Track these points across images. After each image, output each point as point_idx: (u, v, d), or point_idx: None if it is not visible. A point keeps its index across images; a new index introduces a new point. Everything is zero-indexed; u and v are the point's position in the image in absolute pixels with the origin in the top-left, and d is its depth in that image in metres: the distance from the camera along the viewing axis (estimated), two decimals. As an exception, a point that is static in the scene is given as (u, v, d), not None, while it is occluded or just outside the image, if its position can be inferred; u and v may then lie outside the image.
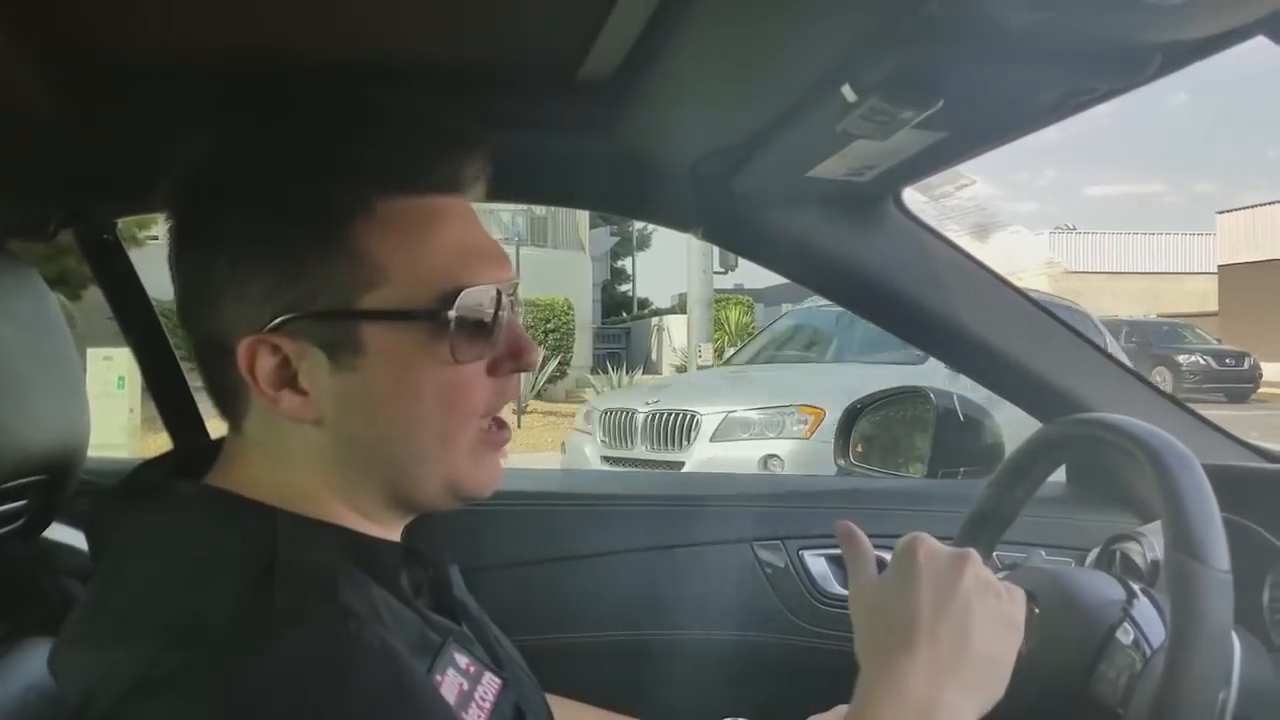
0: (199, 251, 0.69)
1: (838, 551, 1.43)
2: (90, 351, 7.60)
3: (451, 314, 0.67)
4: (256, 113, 0.75)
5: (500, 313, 0.70)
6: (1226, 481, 0.81)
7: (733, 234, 1.33)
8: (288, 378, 0.67)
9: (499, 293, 0.70)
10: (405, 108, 0.71)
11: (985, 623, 0.73)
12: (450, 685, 0.68)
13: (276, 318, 0.66)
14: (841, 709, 1.15)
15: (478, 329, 0.69)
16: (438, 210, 0.70)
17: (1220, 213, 27.26)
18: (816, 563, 1.42)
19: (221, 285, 0.67)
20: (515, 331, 0.72)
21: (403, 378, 0.68)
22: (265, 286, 0.66)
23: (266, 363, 0.66)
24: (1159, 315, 28.80)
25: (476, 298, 0.69)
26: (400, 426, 0.69)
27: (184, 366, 1.45)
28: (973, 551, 0.77)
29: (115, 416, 8.15)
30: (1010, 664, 0.74)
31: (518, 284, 0.74)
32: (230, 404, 0.71)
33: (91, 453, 0.97)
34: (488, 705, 0.70)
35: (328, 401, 0.68)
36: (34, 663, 0.84)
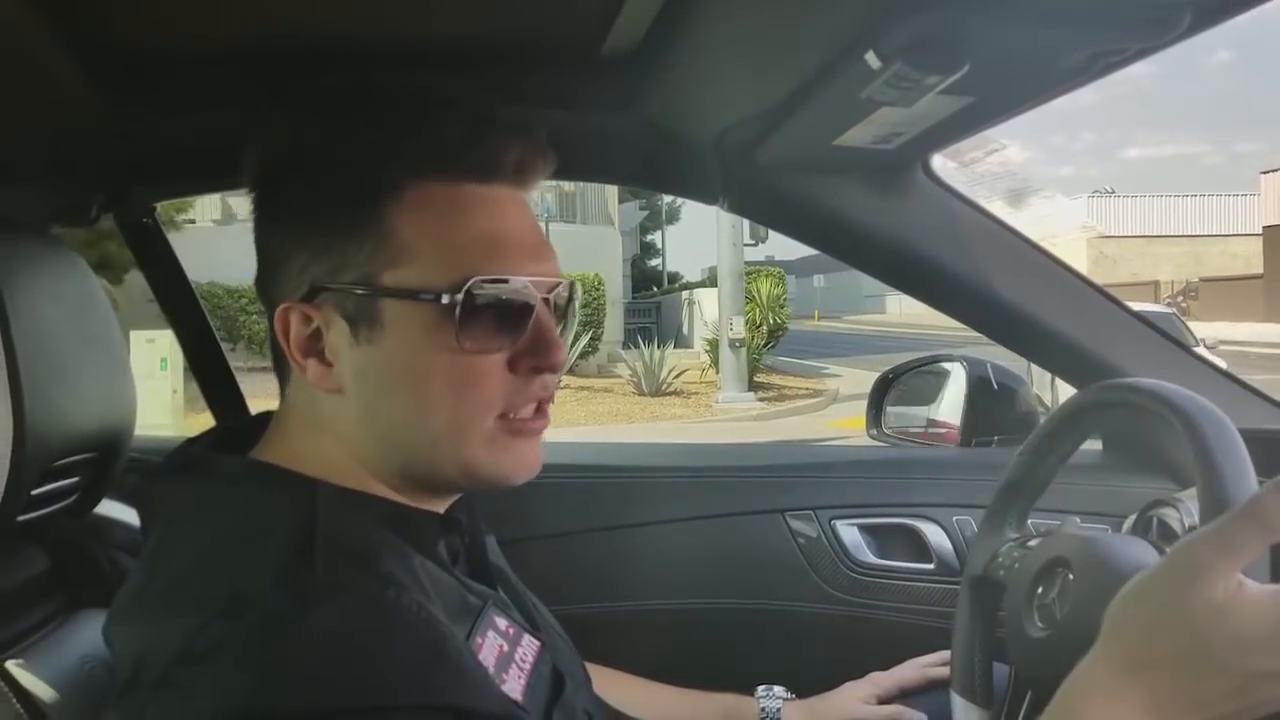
0: (263, 226, 0.74)
1: (870, 521, 1.46)
2: (133, 334, 7.74)
3: (458, 298, 0.68)
4: (294, 96, 0.77)
5: (522, 305, 0.70)
6: (1263, 445, 0.80)
7: (759, 205, 1.32)
8: (317, 347, 0.71)
9: (527, 289, 0.70)
10: (446, 93, 0.72)
11: (1259, 711, 0.58)
12: (490, 647, 0.70)
13: (310, 288, 0.70)
14: (876, 676, 1.16)
15: (494, 320, 0.69)
16: (471, 197, 0.70)
17: (1265, 172, 26.53)
18: (849, 532, 1.43)
19: (277, 257, 0.73)
20: (543, 330, 0.72)
21: (414, 358, 0.69)
22: (304, 258, 0.71)
23: (299, 331, 0.71)
24: (1201, 279, 28.22)
25: (493, 289, 0.69)
26: (412, 406, 0.70)
27: (225, 347, 1.49)
28: None
29: (159, 397, 8.32)
30: None
31: (561, 284, 0.74)
32: (279, 370, 0.76)
33: (138, 432, 1.00)
34: (528, 665, 0.72)
35: (348, 372, 0.71)
36: (89, 633, 0.87)
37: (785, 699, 1.13)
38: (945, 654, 1.07)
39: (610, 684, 1.02)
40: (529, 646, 0.74)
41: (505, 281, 0.69)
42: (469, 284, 0.68)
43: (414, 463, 0.72)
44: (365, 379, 0.70)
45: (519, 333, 0.71)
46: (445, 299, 0.68)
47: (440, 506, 0.77)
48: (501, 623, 0.73)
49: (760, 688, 1.14)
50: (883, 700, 1.14)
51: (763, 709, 1.12)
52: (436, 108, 0.71)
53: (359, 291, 0.69)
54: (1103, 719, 0.60)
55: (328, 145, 0.71)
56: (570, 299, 0.78)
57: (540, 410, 0.74)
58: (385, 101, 0.72)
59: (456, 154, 0.70)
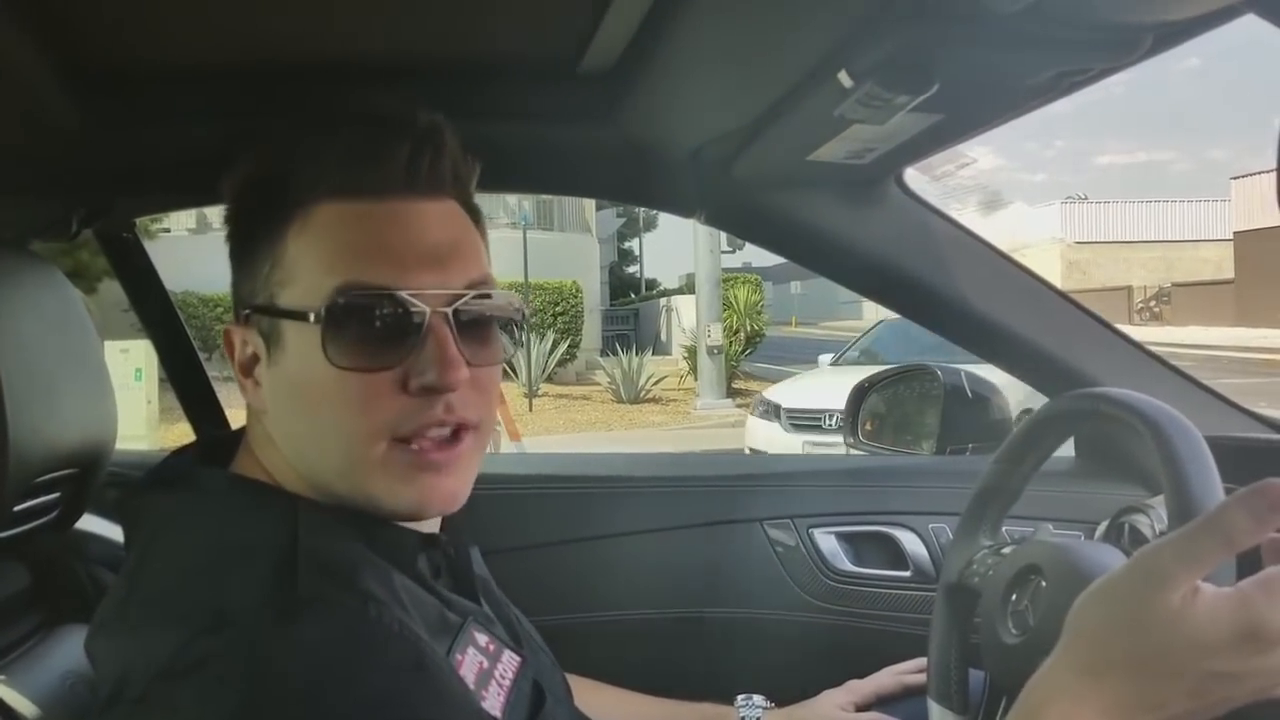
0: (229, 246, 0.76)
1: (847, 529, 1.47)
2: (107, 344, 7.65)
3: (322, 314, 0.66)
4: (251, 115, 0.79)
5: (405, 319, 0.67)
6: (1230, 452, 0.82)
7: (736, 218, 1.34)
8: (253, 367, 0.73)
9: (404, 299, 0.66)
10: (348, 112, 0.73)
11: (1223, 708, 0.60)
12: (470, 664, 0.70)
13: (242, 310, 0.73)
14: (854, 683, 1.18)
15: (374, 334, 0.67)
16: (355, 212, 0.69)
17: (1235, 178, 26.92)
18: (826, 540, 1.44)
19: (232, 278, 0.75)
20: (439, 346, 0.67)
21: (305, 378, 0.69)
22: (238, 280, 0.74)
23: (240, 352, 0.73)
24: (1173, 284, 28.55)
25: (366, 300, 0.66)
26: (310, 429, 0.70)
27: (202, 358, 1.48)
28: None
29: (134, 408, 8.21)
30: None
31: (464, 294, 0.69)
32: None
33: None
34: (508, 682, 0.72)
35: (266, 393, 0.72)
36: (70, 649, 0.87)
37: (765, 708, 1.14)
38: (922, 661, 1.08)
39: (590, 695, 1.02)
40: (509, 663, 0.74)
41: (380, 294, 0.66)
42: (334, 297, 0.66)
43: (329, 488, 0.70)
44: (276, 400, 0.71)
45: (408, 348, 0.67)
46: (312, 316, 0.67)
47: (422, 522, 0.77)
48: (482, 639, 0.73)
49: (740, 696, 1.15)
50: (861, 707, 1.15)
51: (742, 717, 1.13)
52: (330, 126, 0.72)
53: (262, 312, 0.71)
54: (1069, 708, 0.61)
55: (248, 169, 0.74)
56: (517, 314, 0.74)
57: (455, 436, 0.70)
58: (294, 123, 0.74)
59: (344, 171, 0.69)
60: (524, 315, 0.76)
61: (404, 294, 0.67)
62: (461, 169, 0.74)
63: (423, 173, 0.70)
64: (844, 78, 0.81)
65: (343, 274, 0.67)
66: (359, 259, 0.68)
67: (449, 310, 0.68)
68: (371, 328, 0.67)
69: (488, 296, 0.71)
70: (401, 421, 0.68)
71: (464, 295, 0.69)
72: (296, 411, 0.70)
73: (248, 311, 0.72)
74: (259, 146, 0.74)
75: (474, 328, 0.70)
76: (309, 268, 0.69)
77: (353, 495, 0.70)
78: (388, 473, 0.68)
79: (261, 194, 0.71)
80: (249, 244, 0.72)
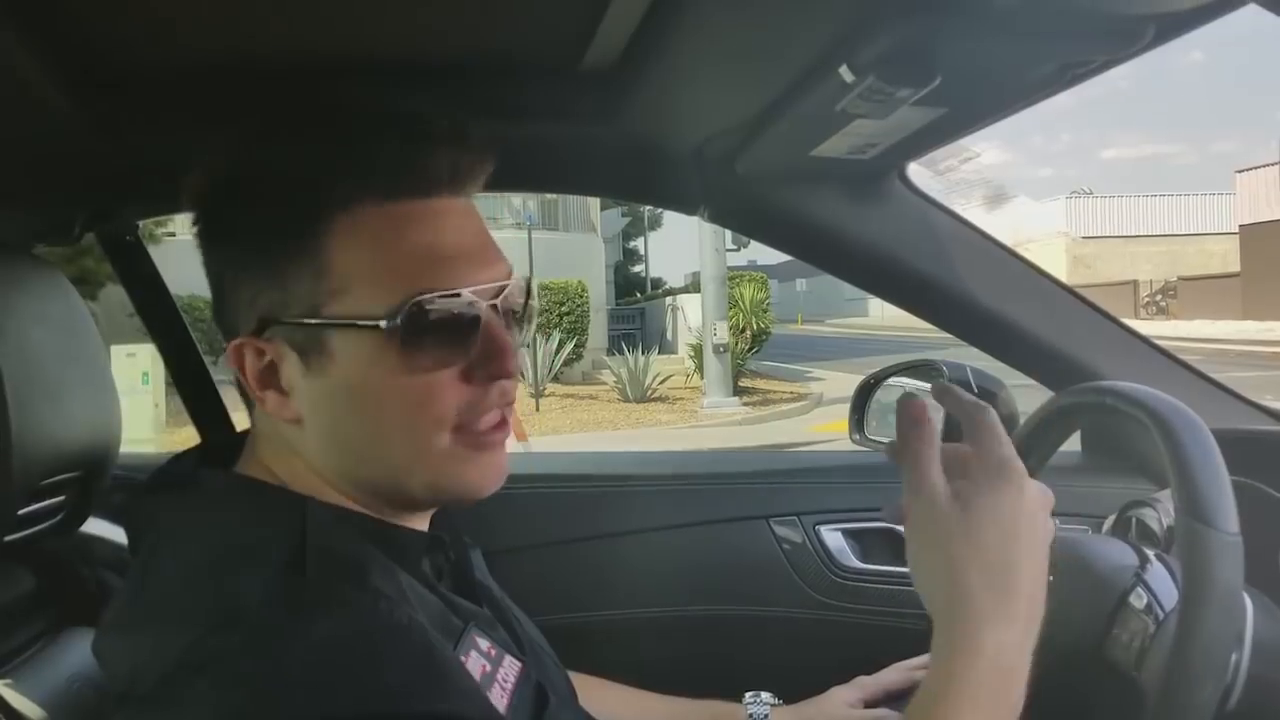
0: (208, 254, 0.73)
1: (853, 525, 1.47)
2: (113, 348, 7.69)
3: (398, 323, 0.67)
4: (252, 118, 0.74)
5: (470, 317, 0.69)
6: (1237, 445, 0.82)
7: (739, 215, 1.34)
8: (273, 379, 0.71)
9: (473, 298, 0.69)
10: (375, 112, 0.71)
11: (1039, 547, 0.70)
12: (473, 667, 0.70)
13: (260, 321, 0.70)
14: (862, 679, 1.18)
15: (441, 336, 0.68)
16: (405, 215, 0.69)
17: (1240, 171, 26.83)
18: (833, 537, 1.44)
19: (224, 287, 0.72)
20: (493, 338, 0.70)
21: (365, 385, 0.69)
22: (250, 291, 0.70)
23: (254, 364, 0.71)
24: (1179, 278, 28.48)
25: (436, 305, 0.68)
26: (370, 432, 0.70)
27: (207, 361, 1.49)
28: (1045, 490, 0.72)
29: (141, 411, 8.24)
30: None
31: (508, 286, 0.72)
32: (245, 396, 0.75)
33: (121, 448, 1.00)
34: (509, 686, 0.72)
35: (304, 403, 0.70)
36: (75, 652, 0.87)
37: (773, 704, 1.14)
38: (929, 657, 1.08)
39: (597, 693, 1.02)
40: (510, 667, 0.74)
41: (448, 296, 0.68)
42: (408, 306, 0.67)
43: (380, 484, 0.72)
44: (320, 409, 0.70)
45: (469, 344, 0.69)
46: (385, 324, 0.67)
47: (422, 523, 0.78)
48: (483, 644, 0.73)
49: (748, 694, 1.15)
50: (869, 704, 1.15)
51: (750, 715, 1.13)
52: (365, 128, 0.70)
53: (305, 323, 0.69)
54: (972, 658, 0.67)
55: (265, 173, 0.70)
56: (527, 298, 0.76)
57: (501, 419, 0.73)
58: (317, 125, 0.71)
59: (388, 174, 0.68)
60: (530, 293, 0.78)
61: (468, 293, 0.69)
62: (487, 164, 0.74)
63: (461, 171, 0.71)
64: (846, 72, 0.81)
65: (409, 282, 0.67)
66: (422, 264, 0.68)
67: (497, 302, 0.71)
68: (442, 330, 0.68)
69: (524, 286, 0.75)
70: (466, 411, 0.70)
71: (506, 286, 0.72)
72: (352, 417, 0.70)
73: (270, 323, 0.69)
74: (268, 146, 0.71)
75: (509, 315, 0.73)
76: (366, 276, 0.68)
77: (408, 485, 0.71)
78: (452, 459, 0.71)
79: (287, 199, 0.69)
80: (267, 252, 0.69)
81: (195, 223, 0.73)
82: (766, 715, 1.13)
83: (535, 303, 0.79)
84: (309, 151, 0.69)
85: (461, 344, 0.69)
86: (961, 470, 0.71)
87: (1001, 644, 0.66)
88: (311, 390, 0.70)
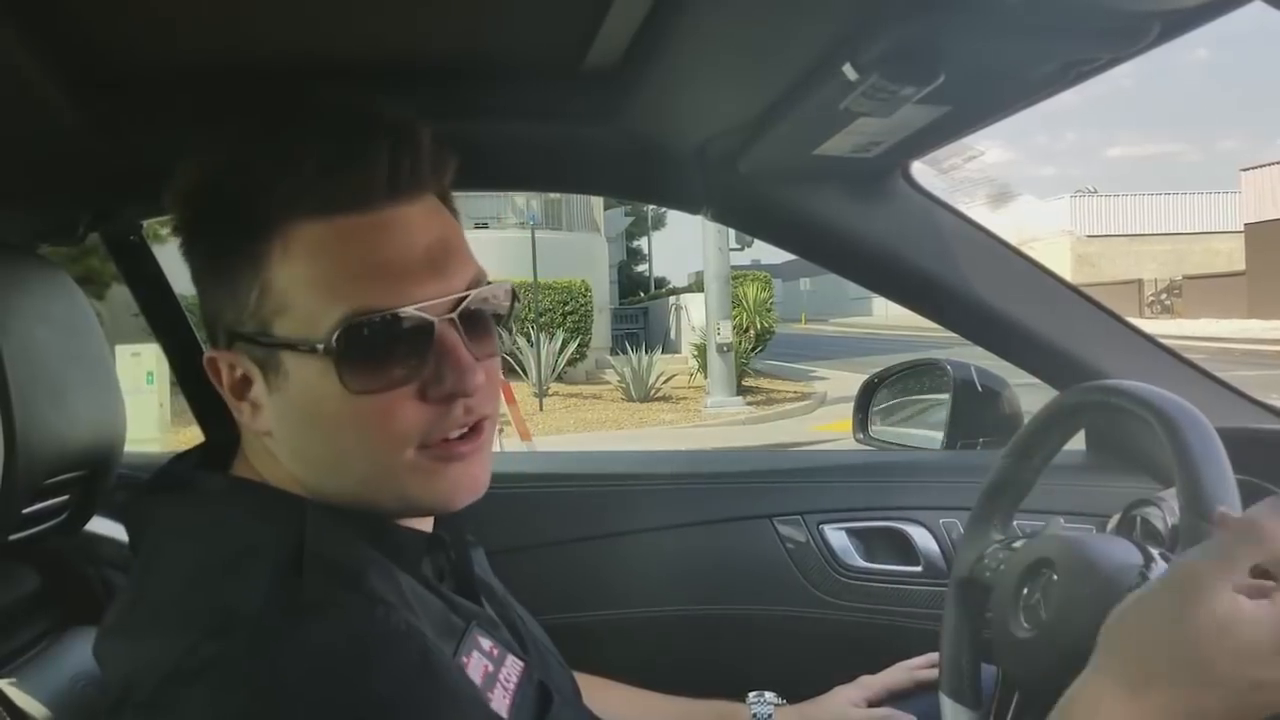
0: (188, 263, 0.72)
1: (857, 525, 1.46)
2: (119, 348, 7.70)
3: (333, 345, 0.64)
4: (230, 122, 0.71)
5: (418, 335, 0.66)
6: (1242, 443, 0.82)
7: (742, 214, 1.34)
8: (247, 391, 0.70)
9: (420, 315, 0.65)
10: (322, 119, 0.67)
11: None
12: (475, 667, 0.70)
13: (226, 335, 0.69)
14: (865, 679, 1.17)
15: (385, 356, 0.65)
16: (346, 230, 0.65)
17: (1245, 169, 26.76)
18: (836, 536, 1.44)
19: (201, 297, 0.71)
20: (450, 352, 0.66)
21: (318, 406, 0.67)
22: (216, 305, 0.70)
23: (228, 376, 0.70)
24: (1184, 276, 28.41)
25: (375, 324, 0.64)
26: (331, 450, 0.69)
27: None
28: None
29: (146, 411, 8.25)
30: None
31: (467, 296, 0.68)
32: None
33: (125, 447, 1.00)
34: (512, 686, 0.72)
35: (272, 417, 0.70)
36: (80, 651, 0.87)
37: (776, 704, 1.14)
38: (934, 656, 1.08)
39: (601, 693, 1.02)
40: (513, 667, 0.73)
41: (388, 315, 0.64)
42: (343, 328, 0.64)
43: (356, 498, 0.70)
44: (284, 423, 0.69)
45: (420, 363, 0.66)
46: (321, 347, 0.64)
47: (425, 523, 0.77)
48: (486, 644, 0.72)
49: (751, 694, 1.15)
50: (873, 703, 1.15)
51: (754, 715, 1.12)
52: (297, 137, 0.66)
53: (259, 341, 0.67)
54: None
55: (215, 186, 0.67)
56: (510, 303, 0.73)
57: (474, 430, 0.70)
58: (258, 134, 0.68)
59: (320, 188, 0.64)
60: (515, 298, 0.75)
61: (411, 310, 0.65)
62: (438, 163, 0.70)
63: (404, 175, 0.67)
64: (849, 70, 0.81)
65: (345, 302, 0.64)
66: (358, 282, 0.64)
67: (455, 315, 0.67)
68: (384, 350, 0.65)
69: (483, 295, 0.70)
70: (426, 429, 0.67)
71: (466, 297, 0.68)
72: (310, 435, 0.69)
73: (233, 338, 0.69)
74: (208, 156, 0.68)
75: (476, 325, 0.69)
76: (304, 296, 0.65)
77: (379, 499, 0.70)
78: (418, 473, 0.68)
79: (231, 212, 0.66)
80: (222, 265, 0.67)
81: (175, 235, 0.72)
82: (770, 715, 1.13)
83: (519, 306, 0.75)
84: (249, 164, 0.66)
85: (411, 361, 0.66)
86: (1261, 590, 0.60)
87: None
88: (275, 406, 0.69)
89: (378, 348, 0.65)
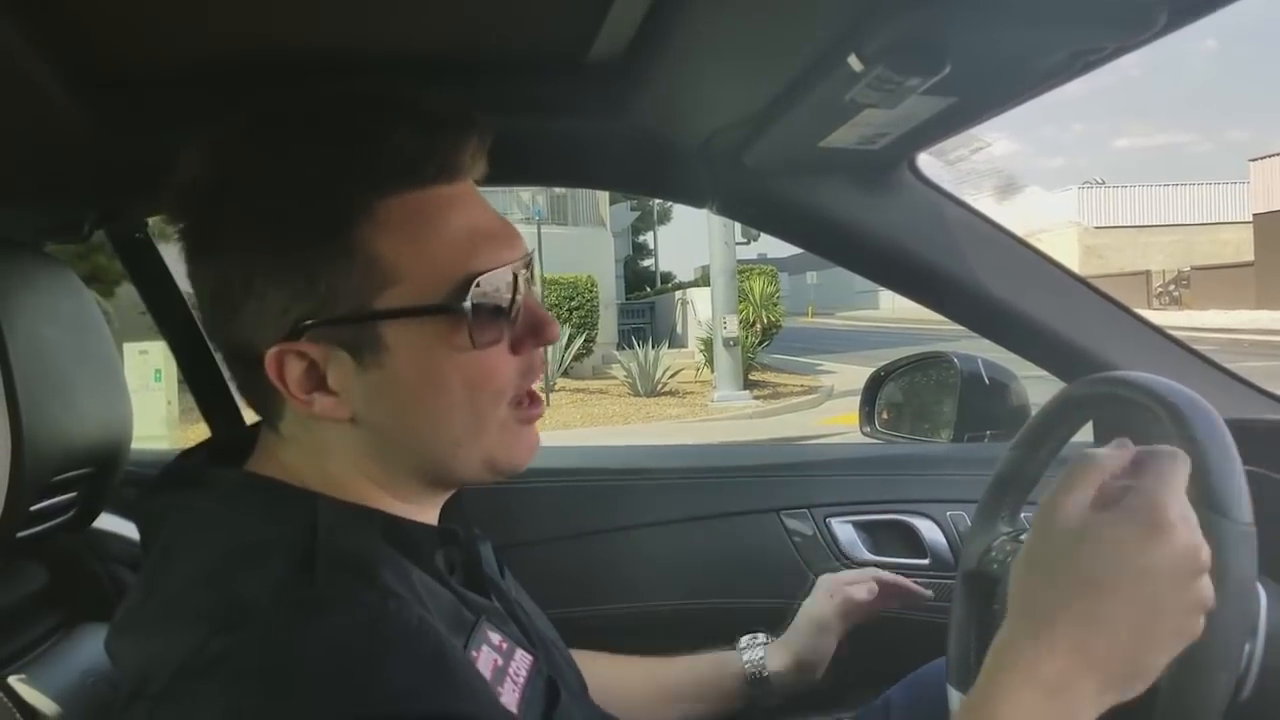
0: (211, 264, 0.70)
1: (864, 518, 1.46)
2: (126, 346, 7.73)
3: (467, 304, 0.68)
4: (256, 115, 0.72)
5: (517, 293, 0.72)
6: (1251, 435, 0.81)
7: (748, 207, 1.33)
8: (317, 380, 0.69)
9: (513, 273, 0.72)
10: (393, 100, 0.70)
11: (1172, 618, 0.63)
12: (485, 661, 0.70)
13: (298, 326, 0.68)
14: (825, 579, 1.19)
15: (495, 312, 0.71)
16: (440, 200, 0.70)
17: (1253, 160, 26.62)
18: (844, 529, 1.44)
19: (240, 297, 0.69)
20: (532, 308, 0.74)
21: (428, 369, 0.69)
22: (283, 297, 0.68)
23: (295, 369, 0.69)
24: (1192, 267, 28.29)
25: (491, 283, 0.70)
26: (432, 415, 0.71)
27: (218, 358, 1.49)
28: (1188, 515, 0.65)
29: (154, 409, 8.29)
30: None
31: (530, 258, 0.75)
32: (266, 407, 0.74)
33: (133, 445, 1.00)
34: (521, 680, 0.72)
35: (359, 399, 0.70)
36: (90, 648, 0.88)
37: (766, 643, 1.18)
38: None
39: (598, 664, 1.03)
40: (522, 661, 0.74)
41: (500, 272, 0.70)
42: (466, 287, 0.68)
43: (434, 466, 0.73)
44: (378, 401, 0.70)
45: (514, 317, 0.72)
46: (453, 307, 0.68)
47: (433, 514, 0.78)
48: (495, 638, 0.73)
49: (743, 638, 1.16)
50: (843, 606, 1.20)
51: (745, 660, 1.16)
52: (386, 117, 0.69)
53: (354, 320, 0.68)
54: (1029, 684, 0.63)
55: (280, 174, 0.67)
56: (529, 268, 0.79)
57: (534, 398, 0.77)
58: (328, 120, 0.70)
59: (417, 162, 0.69)
60: (532, 271, 0.80)
61: (514, 267, 0.71)
62: (485, 144, 0.75)
63: (478, 156, 0.73)
64: (854, 61, 0.80)
65: (461, 263, 0.69)
66: (466, 245, 0.70)
67: (526, 273, 0.74)
68: (499, 306, 0.70)
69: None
70: (517, 382, 0.73)
71: (530, 257, 0.75)
72: (412, 404, 0.70)
73: (308, 326, 0.67)
74: (284, 148, 0.68)
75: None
76: (415, 263, 0.68)
77: (457, 466, 0.73)
78: (505, 432, 0.73)
79: (313, 201, 0.67)
80: (298, 257, 0.67)
81: (188, 232, 0.70)
82: (762, 657, 1.15)
83: (534, 270, 0.80)
84: (327, 148, 0.68)
85: (509, 317, 0.72)
86: (1112, 501, 0.66)
87: (1062, 685, 0.62)
88: (367, 385, 0.69)
89: (491, 303, 0.70)
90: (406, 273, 0.68)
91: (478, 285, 0.69)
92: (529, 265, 0.75)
